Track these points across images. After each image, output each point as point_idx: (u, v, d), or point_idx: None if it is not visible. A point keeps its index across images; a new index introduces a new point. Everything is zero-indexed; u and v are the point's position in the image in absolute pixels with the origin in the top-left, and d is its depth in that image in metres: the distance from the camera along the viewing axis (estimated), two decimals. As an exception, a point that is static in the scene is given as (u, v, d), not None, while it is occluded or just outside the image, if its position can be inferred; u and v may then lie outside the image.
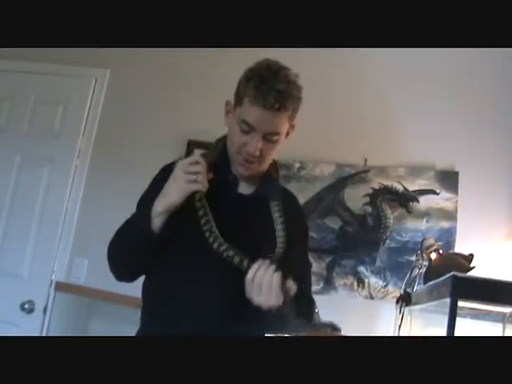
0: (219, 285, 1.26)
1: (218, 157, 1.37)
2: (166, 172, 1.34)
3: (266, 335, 1.39)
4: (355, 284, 2.46)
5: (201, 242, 1.25)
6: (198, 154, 1.36)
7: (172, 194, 1.24)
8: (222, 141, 1.40)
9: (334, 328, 1.21)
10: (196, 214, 1.24)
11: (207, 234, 1.23)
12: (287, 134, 1.36)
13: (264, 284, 1.15)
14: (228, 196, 1.35)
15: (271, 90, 1.23)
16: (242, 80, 1.31)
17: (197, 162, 1.24)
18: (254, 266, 1.17)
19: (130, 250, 1.31)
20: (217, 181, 1.30)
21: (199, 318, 1.26)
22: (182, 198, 1.23)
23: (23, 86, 2.97)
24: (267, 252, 1.33)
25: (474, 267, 1.85)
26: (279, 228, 1.35)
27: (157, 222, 1.24)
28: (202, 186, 1.24)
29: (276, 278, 1.15)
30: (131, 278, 1.38)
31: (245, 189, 1.39)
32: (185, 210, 1.25)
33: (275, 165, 1.43)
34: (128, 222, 1.34)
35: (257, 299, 1.16)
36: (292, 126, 1.37)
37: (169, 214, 1.25)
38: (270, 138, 1.28)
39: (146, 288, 1.37)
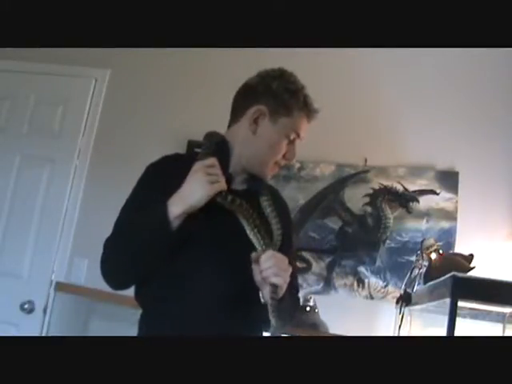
0: (224, 290, 1.27)
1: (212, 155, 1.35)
2: (155, 171, 1.36)
3: (266, 335, 1.39)
4: (355, 284, 2.45)
5: (206, 247, 1.26)
6: (203, 154, 1.34)
7: (194, 196, 1.22)
8: (215, 138, 1.39)
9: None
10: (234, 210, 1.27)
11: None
12: None
13: (281, 266, 1.20)
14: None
15: (306, 97, 1.39)
16: (279, 88, 1.37)
17: (214, 165, 1.25)
18: (268, 253, 1.21)
19: (141, 254, 1.25)
20: None
21: (203, 324, 1.26)
22: (205, 199, 1.22)
23: (23, 86, 2.97)
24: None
25: (474, 267, 1.85)
26: (274, 222, 1.35)
27: (175, 223, 1.22)
28: (224, 185, 1.25)
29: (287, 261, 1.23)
30: (133, 284, 1.35)
31: (237, 185, 1.39)
32: (199, 213, 1.24)
33: None
34: (129, 229, 1.29)
35: (274, 279, 1.19)
36: None
37: (186, 216, 1.23)
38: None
39: (145, 295, 1.34)
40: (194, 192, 1.22)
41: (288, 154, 1.40)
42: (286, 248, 1.33)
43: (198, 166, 1.24)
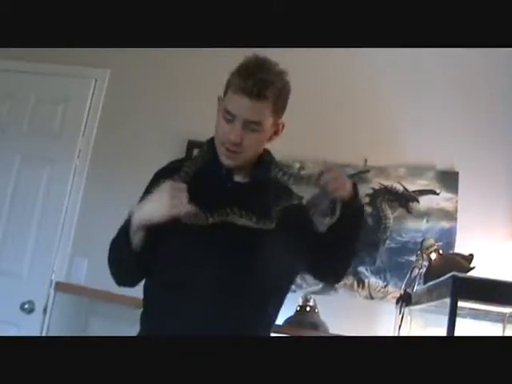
0: (219, 280, 1.27)
1: (209, 156, 1.38)
2: (157, 179, 1.35)
3: (267, 336, 1.38)
4: (355, 284, 2.45)
5: (196, 238, 1.27)
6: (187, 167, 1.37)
7: (153, 213, 1.23)
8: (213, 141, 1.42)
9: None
10: None
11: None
12: (276, 132, 1.37)
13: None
14: (226, 185, 1.36)
15: (251, 77, 1.26)
16: (230, 74, 1.34)
17: (182, 190, 1.22)
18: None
19: (118, 263, 1.34)
20: (211, 176, 1.32)
21: (201, 323, 1.26)
22: (164, 219, 1.22)
23: (23, 86, 2.97)
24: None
25: (473, 267, 1.85)
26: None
27: (136, 239, 1.25)
28: (185, 209, 1.21)
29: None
30: (131, 285, 1.38)
31: (241, 178, 1.39)
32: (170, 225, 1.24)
33: (268, 151, 1.42)
34: (118, 233, 1.33)
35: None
36: (282, 125, 1.37)
37: (147, 231, 1.25)
38: (251, 126, 1.29)
39: (146, 288, 1.37)
40: (154, 209, 1.23)
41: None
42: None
43: (167, 186, 1.23)
